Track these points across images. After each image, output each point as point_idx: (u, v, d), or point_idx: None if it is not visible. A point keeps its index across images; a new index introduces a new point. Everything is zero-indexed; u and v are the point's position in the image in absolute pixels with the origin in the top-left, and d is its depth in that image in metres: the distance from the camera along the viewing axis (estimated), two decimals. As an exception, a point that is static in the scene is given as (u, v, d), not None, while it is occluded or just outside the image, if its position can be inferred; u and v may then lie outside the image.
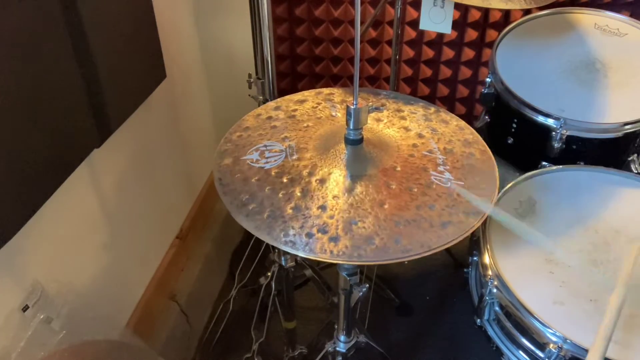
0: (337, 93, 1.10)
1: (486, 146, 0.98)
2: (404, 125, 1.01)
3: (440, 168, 0.91)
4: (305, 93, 1.10)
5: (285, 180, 0.87)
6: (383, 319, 1.68)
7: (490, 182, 0.90)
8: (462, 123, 1.03)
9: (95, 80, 1.10)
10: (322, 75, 1.97)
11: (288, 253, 1.34)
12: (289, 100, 1.08)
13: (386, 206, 0.83)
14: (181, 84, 1.72)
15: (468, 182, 0.89)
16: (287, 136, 0.97)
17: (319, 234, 0.79)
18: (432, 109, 1.06)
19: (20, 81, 0.90)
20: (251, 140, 0.97)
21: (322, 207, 0.83)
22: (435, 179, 0.89)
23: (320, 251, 0.77)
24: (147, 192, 1.56)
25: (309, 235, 0.79)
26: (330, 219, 0.81)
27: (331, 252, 0.77)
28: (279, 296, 1.48)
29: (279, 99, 1.08)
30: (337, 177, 0.87)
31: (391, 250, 0.77)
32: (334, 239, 0.78)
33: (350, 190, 0.85)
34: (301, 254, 0.78)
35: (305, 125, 1.00)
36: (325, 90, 1.11)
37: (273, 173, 0.89)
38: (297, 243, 0.78)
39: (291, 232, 0.80)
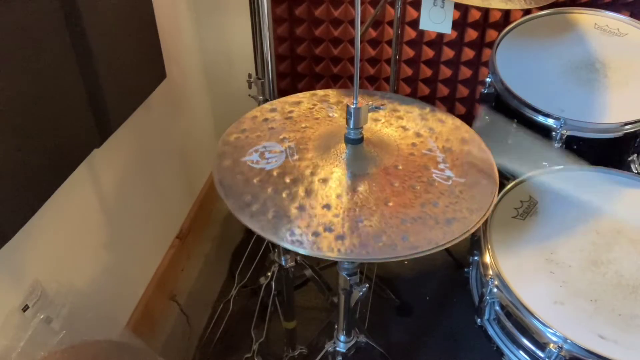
0: (332, 94, 1.10)
1: (483, 143, 0.98)
2: (401, 124, 1.01)
3: (441, 166, 0.91)
4: (300, 95, 1.09)
5: (287, 180, 0.87)
6: (383, 319, 1.68)
7: (490, 178, 0.91)
8: (458, 122, 1.03)
9: (95, 80, 1.10)
10: (322, 76, 1.97)
11: (288, 253, 1.35)
12: (284, 102, 1.07)
13: (391, 204, 0.83)
14: (181, 84, 1.72)
15: (469, 179, 0.89)
16: (286, 137, 0.97)
17: (326, 233, 0.79)
18: (427, 109, 1.06)
19: (21, 81, 0.90)
20: (249, 142, 0.97)
21: (327, 206, 0.82)
22: (437, 176, 0.89)
23: (328, 250, 0.77)
24: (147, 192, 1.56)
25: (316, 234, 0.79)
26: (336, 217, 0.81)
27: (339, 250, 0.77)
28: (279, 296, 1.48)
29: (274, 101, 1.08)
30: (339, 176, 0.87)
31: (399, 247, 0.77)
32: (341, 237, 0.78)
33: (353, 189, 0.85)
34: (309, 253, 0.77)
35: (303, 126, 1.00)
36: (320, 92, 1.10)
37: (275, 173, 0.89)
38: (304, 242, 0.78)
39: (297, 231, 0.79)
